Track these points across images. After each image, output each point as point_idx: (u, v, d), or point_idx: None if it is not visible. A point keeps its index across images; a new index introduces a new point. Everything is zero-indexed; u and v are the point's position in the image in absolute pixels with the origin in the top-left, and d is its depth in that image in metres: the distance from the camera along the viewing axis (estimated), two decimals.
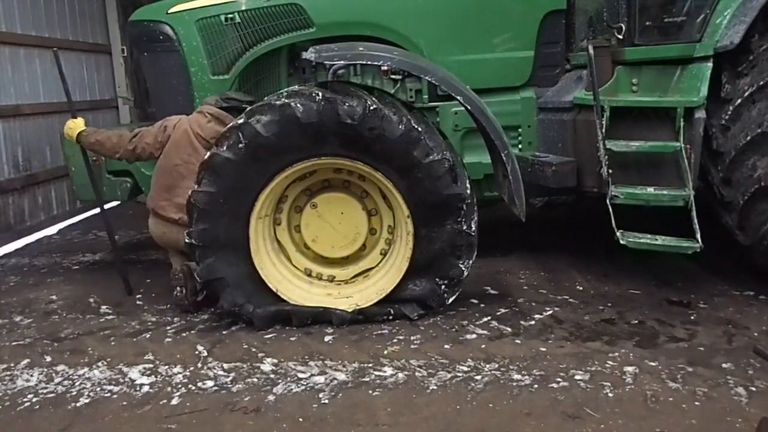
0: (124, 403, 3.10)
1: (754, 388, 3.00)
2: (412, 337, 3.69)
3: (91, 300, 4.55)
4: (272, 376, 3.31)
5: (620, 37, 4.15)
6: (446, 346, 3.56)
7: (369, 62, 4.11)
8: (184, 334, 3.88)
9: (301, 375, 3.30)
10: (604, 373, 3.21)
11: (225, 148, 3.64)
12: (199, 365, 3.45)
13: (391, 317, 3.89)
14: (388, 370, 3.31)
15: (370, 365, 3.37)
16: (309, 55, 3.87)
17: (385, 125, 3.59)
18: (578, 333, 3.69)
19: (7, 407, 3.12)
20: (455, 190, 3.70)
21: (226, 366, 3.43)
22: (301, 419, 2.90)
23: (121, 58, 8.38)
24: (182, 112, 4.60)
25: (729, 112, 3.84)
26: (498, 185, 4.41)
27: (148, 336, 3.87)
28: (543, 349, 3.48)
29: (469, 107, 3.85)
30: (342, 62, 4.36)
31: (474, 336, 3.69)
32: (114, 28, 8.32)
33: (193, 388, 3.23)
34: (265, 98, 3.79)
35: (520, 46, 4.73)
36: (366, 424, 2.84)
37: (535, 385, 3.11)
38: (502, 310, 4.03)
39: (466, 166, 4.05)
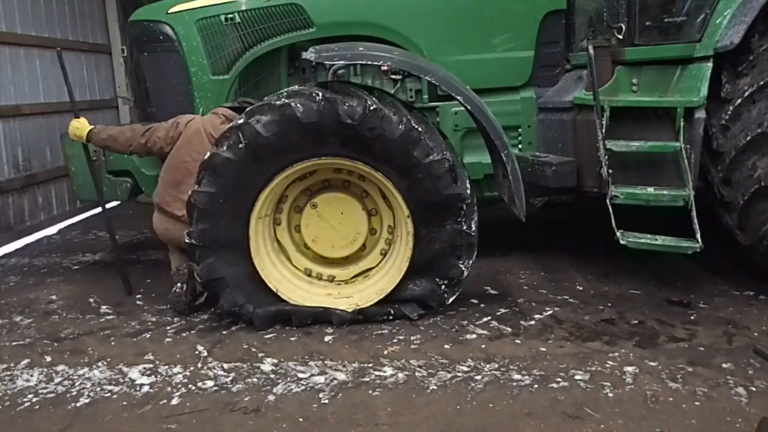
0: (124, 403, 3.10)
1: (754, 388, 3.00)
2: (412, 337, 3.69)
3: (91, 300, 4.56)
4: (272, 376, 3.31)
5: (620, 37, 4.15)
6: (446, 346, 3.56)
7: (369, 62, 4.11)
8: (184, 334, 3.88)
9: (301, 375, 3.30)
10: (604, 373, 3.21)
11: (225, 148, 3.64)
12: (199, 365, 3.45)
13: (391, 317, 3.89)
14: (388, 370, 3.31)
15: (370, 365, 3.37)
16: (309, 55, 3.87)
17: (385, 125, 3.59)
18: (578, 333, 3.69)
19: (7, 407, 3.12)
20: (455, 190, 3.70)
21: (226, 366, 3.43)
22: (301, 419, 2.90)
23: (121, 58, 8.38)
24: (182, 112, 4.60)
25: (729, 112, 3.84)
26: (498, 185, 4.41)
27: (148, 336, 3.87)
28: (543, 349, 3.48)
29: (469, 107, 3.85)
30: (342, 62, 4.36)
31: (474, 336, 3.69)
32: (114, 28, 8.32)
33: (193, 388, 3.23)
34: (265, 98, 3.79)
35: (520, 46, 4.73)
36: (366, 424, 2.84)
37: (535, 385, 3.11)
38: (502, 310, 4.04)
39: (466, 166, 4.05)
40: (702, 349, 3.44)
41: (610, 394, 3.00)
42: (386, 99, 3.81)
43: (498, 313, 3.99)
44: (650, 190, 3.94)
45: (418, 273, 3.83)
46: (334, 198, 3.96)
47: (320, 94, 3.62)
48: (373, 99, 3.66)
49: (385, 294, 3.87)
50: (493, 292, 4.38)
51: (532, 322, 3.85)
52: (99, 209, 7.36)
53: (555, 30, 4.74)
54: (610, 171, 3.94)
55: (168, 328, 3.98)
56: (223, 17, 4.65)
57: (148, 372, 3.40)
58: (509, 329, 3.76)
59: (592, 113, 4.06)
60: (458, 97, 3.81)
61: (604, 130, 3.98)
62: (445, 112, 4.74)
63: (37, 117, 6.66)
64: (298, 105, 3.58)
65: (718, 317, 3.83)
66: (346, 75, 4.79)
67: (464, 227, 3.75)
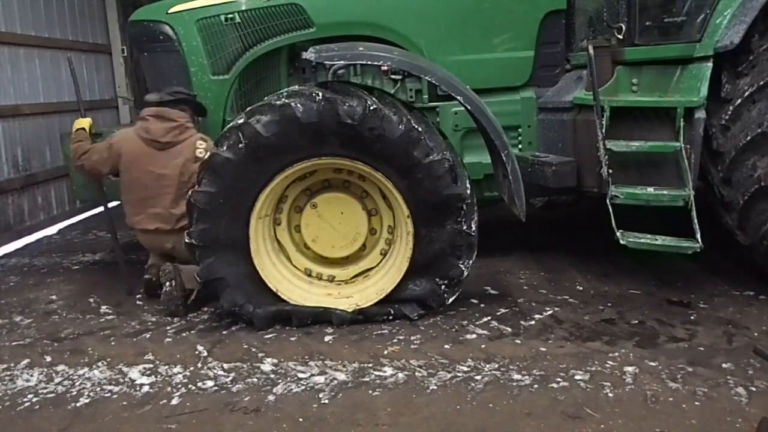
0: (124, 403, 3.10)
1: (754, 388, 3.00)
2: (412, 337, 3.69)
3: (91, 300, 4.56)
4: (272, 376, 3.31)
5: (620, 37, 4.15)
6: (446, 346, 3.56)
7: (369, 62, 4.12)
8: (184, 334, 3.88)
9: (301, 375, 3.30)
10: (604, 373, 3.21)
11: (225, 148, 3.64)
12: (199, 365, 3.45)
13: (391, 317, 3.89)
14: (388, 370, 3.31)
15: (370, 365, 3.37)
16: (309, 55, 3.87)
17: (385, 125, 3.59)
18: (578, 333, 3.69)
19: (7, 407, 3.12)
20: (455, 190, 3.70)
21: (226, 366, 3.43)
22: (301, 419, 2.90)
23: (121, 58, 8.38)
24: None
25: (729, 112, 3.84)
26: (498, 185, 4.41)
27: (148, 336, 3.87)
28: (543, 349, 3.48)
29: (469, 107, 3.85)
30: (342, 62, 4.36)
31: (474, 336, 3.69)
32: (114, 28, 8.32)
33: (193, 388, 3.23)
34: (265, 98, 3.79)
35: (520, 46, 4.73)
36: (366, 424, 2.84)
37: (535, 385, 3.11)
38: (502, 310, 4.03)
39: (466, 166, 4.05)
40: (702, 349, 3.44)
41: (610, 394, 3.00)
42: (386, 99, 3.81)
43: (498, 313, 3.99)
44: (650, 190, 3.94)
45: (418, 273, 3.83)
46: (334, 198, 3.96)
47: (320, 94, 3.62)
48: (373, 99, 3.66)
49: (385, 294, 3.86)
50: (493, 292, 4.38)
51: (532, 322, 3.85)
52: (99, 209, 7.38)
53: (555, 30, 4.74)
54: (610, 171, 3.94)
55: (168, 328, 3.98)
56: (223, 17, 4.64)
57: (148, 372, 3.40)
58: (509, 329, 3.76)
59: (592, 113, 4.06)
60: (458, 97, 3.81)
61: (604, 130, 3.98)
62: (445, 112, 4.74)
63: (37, 117, 6.66)
64: (298, 105, 3.58)
65: (718, 317, 3.83)
66: (346, 75, 4.79)
67: (464, 227, 3.75)
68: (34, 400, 3.17)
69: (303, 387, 3.19)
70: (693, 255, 3.83)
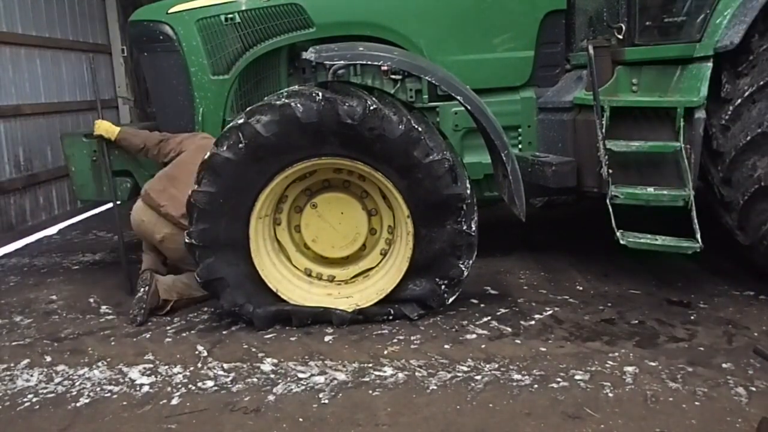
0: (124, 403, 3.11)
1: (754, 388, 3.00)
2: (412, 337, 3.69)
3: (91, 300, 4.56)
4: (272, 376, 3.31)
5: (620, 37, 4.15)
6: (446, 346, 3.56)
7: (369, 62, 4.11)
8: (184, 334, 3.88)
9: (301, 375, 3.30)
10: (604, 373, 3.21)
11: (225, 148, 3.64)
12: (199, 365, 3.46)
13: (391, 317, 3.89)
14: (388, 370, 3.31)
15: (370, 365, 3.37)
16: (309, 55, 3.87)
17: (385, 125, 3.59)
18: (578, 333, 3.69)
19: (7, 407, 3.12)
20: (455, 190, 3.70)
21: (226, 366, 3.43)
22: (301, 419, 2.90)
23: (121, 58, 8.39)
24: (182, 112, 4.61)
25: (729, 112, 3.84)
26: (498, 185, 4.41)
27: (148, 336, 3.87)
28: (543, 349, 3.48)
29: (469, 107, 3.85)
30: (342, 62, 4.36)
31: (474, 336, 3.69)
32: (114, 28, 8.32)
33: (193, 388, 3.23)
34: (265, 98, 3.79)
35: (520, 46, 4.73)
36: (366, 424, 2.84)
37: (535, 385, 3.11)
38: (502, 310, 4.03)
39: (466, 166, 4.05)
40: (702, 349, 3.44)
41: (610, 394, 3.00)
42: (386, 99, 3.81)
43: (498, 313, 3.99)
44: (650, 190, 3.94)
45: (418, 273, 3.83)
46: (334, 198, 3.96)
47: (320, 94, 3.62)
48: (373, 99, 3.66)
49: (385, 294, 3.87)
50: (493, 292, 4.38)
51: (532, 322, 3.85)
52: (99, 209, 7.39)
53: (555, 30, 4.74)
54: (610, 171, 3.94)
55: (168, 328, 3.98)
56: (223, 17, 4.65)
57: (148, 372, 3.40)
58: (509, 329, 3.76)
59: (592, 113, 4.06)
60: (458, 97, 3.81)
61: (604, 130, 3.98)
62: (445, 112, 4.74)
63: (38, 117, 6.66)
64: (298, 105, 3.58)
65: (718, 317, 3.83)
66: (346, 75, 4.79)
67: (464, 227, 3.75)
68: (34, 400, 3.18)
69: (303, 387, 3.19)
70: (693, 255, 3.83)
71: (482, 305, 4.12)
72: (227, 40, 4.66)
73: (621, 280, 4.48)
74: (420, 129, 3.65)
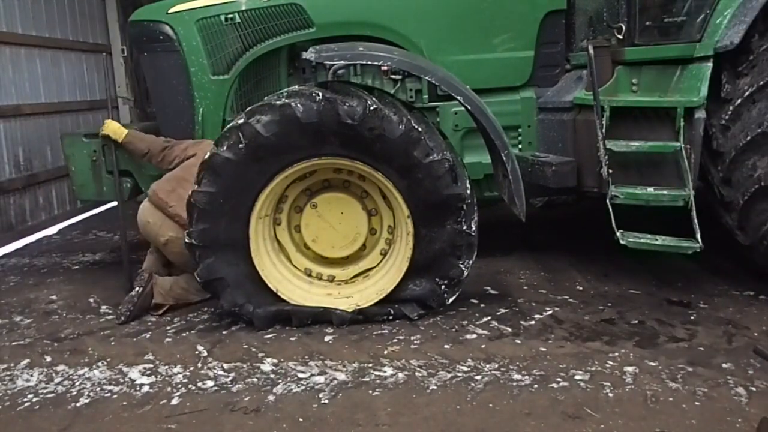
0: (124, 403, 3.11)
1: (754, 388, 3.00)
2: (412, 337, 3.69)
3: (91, 300, 4.56)
4: (272, 376, 3.31)
5: (620, 37, 4.15)
6: (446, 346, 3.56)
7: (369, 62, 4.11)
8: (184, 334, 3.88)
9: (301, 375, 3.30)
10: (604, 373, 3.21)
11: (225, 148, 3.64)
12: (199, 365, 3.46)
13: (391, 317, 3.89)
14: (388, 370, 3.31)
15: (370, 365, 3.37)
16: (309, 55, 3.87)
17: (385, 125, 3.59)
18: (578, 333, 3.69)
19: (7, 407, 3.12)
20: (455, 190, 3.70)
21: (226, 366, 3.43)
22: (301, 419, 2.90)
23: (121, 58, 8.39)
24: (182, 112, 4.61)
25: (729, 112, 3.84)
26: (498, 185, 4.41)
27: (148, 336, 3.87)
28: (543, 349, 3.48)
29: (469, 107, 3.85)
30: (342, 62, 4.36)
31: (474, 336, 3.69)
32: (114, 28, 8.33)
33: (193, 388, 3.23)
34: (265, 98, 3.79)
35: (520, 46, 4.73)
36: (366, 424, 2.84)
37: (535, 385, 3.11)
38: (502, 310, 4.04)
39: (466, 166, 4.05)
40: (702, 349, 3.44)
41: (610, 394, 3.00)
42: (386, 99, 3.81)
43: (498, 313, 3.99)
44: (650, 190, 3.94)
45: (418, 273, 3.83)
46: (334, 198, 3.96)
47: (320, 94, 3.62)
48: (373, 99, 3.66)
49: (385, 294, 3.87)
50: (493, 292, 4.38)
51: (532, 322, 3.85)
52: (99, 209, 7.39)
53: (555, 30, 4.74)
54: (610, 171, 3.94)
55: (168, 328, 3.98)
56: (223, 17, 4.64)
57: (148, 372, 3.40)
58: (509, 329, 3.76)
59: (592, 113, 4.06)
60: (458, 97, 3.81)
61: (604, 130, 3.98)
62: (445, 112, 4.74)
63: (38, 117, 6.66)
64: (298, 105, 3.58)
65: (718, 317, 3.83)
66: (346, 75, 4.79)
67: (464, 227, 3.75)
68: (34, 400, 3.18)
69: (303, 387, 3.19)
70: (693, 255, 3.83)
71: (482, 305, 4.12)
72: (227, 40, 4.65)
73: (621, 280, 4.48)
74: (420, 129, 3.65)
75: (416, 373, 3.27)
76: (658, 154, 3.96)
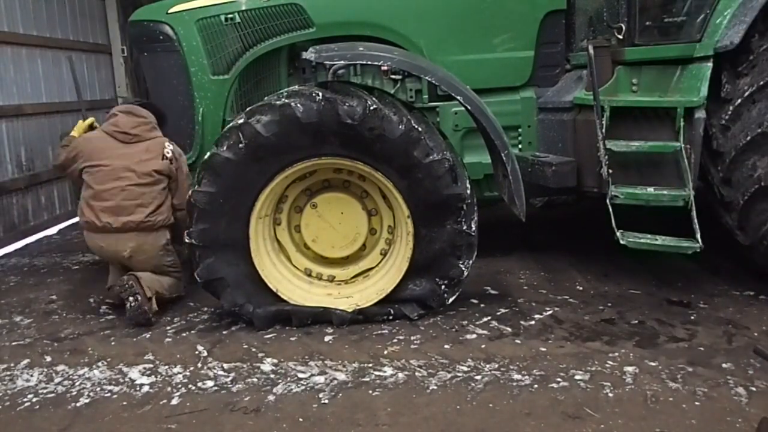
0: (124, 403, 3.11)
1: (754, 388, 3.00)
2: (412, 337, 3.69)
3: (91, 300, 4.56)
4: (272, 376, 3.31)
5: (620, 37, 4.15)
6: (446, 346, 3.56)
7: (369, 62, 4.11)
8: (184, 334, 3.88)
9: (301, 375, 3.30)
10: (604, 373, 3.21)
11: (225, 148, 3.64)
12: (199, 365, 3.46)
13: (391, 317, 3.89)
14: (388, 370, 3.31)
15: (370, 365, 3.37)
16: (309, 55, 3.87)
17: (385, 125, 3.59)
18: (578, 333, 3.69)
19: (7, 407, 3.12)
20: (455, 190, 3.70)
21: (226, 366, 3.43)
22: (301, 419, 2.90)
23: (121, 58, 8.40)
24: (182, 112, 4.60)
25: (729, 112, 3.84)
26: (498, 185, 4.41)
27: (148, 336, 3.87)
28: (543, 349, 3.48)
29: (469, 107, 3.85)
30: (342, 62, 4.36)
31: (474, 336, 3.69)
32: (114, 28, 8.33)
33: (193, 388, 3.23)
34: (265, 98, 3.79)
35: (520, 46, 4.73)
36: (366, 424, 2.85)
37: (535, 385, 3.11)
38: (502, 310, 4.04)
39: (466, 166, 4.05)
40: (702, 349, 3.44)
41: (610, 394, 3.00)
42: (386, 99, 3.81)
43: (498, 313, 3.99)
44: (650, 190, 3.94)
45: (418, 273, 3.83)
46: (334, 198, 3.96)
47: (320, 94, 3.62)
48: (373, 99, 3.66)
49: (385, 294, 3.87)
50: (493, 292, 4.38)
51: (532, 322, 3.85)
52: None
53: (555, 30, 4.74)
54: (610, 171, 3.94)
55: (168, 328, 3.98)
56: (223, 17, 4.64)
57: (148, 372, 3.40)
58: (509, 329, 3.76)
59: (592, 113, 4.06)
60: (458, 97, 3.81)
61: (604, 130, 3.98)
62: (445, 112, 4.74)
63: (40, 117, 6.67)
64: (298, 105, 3.58)
65: (718, 317, 3.83)
66: (346, 75, 4.79)
67: (464, 227, 3.75)
68: (34, 400, 3.18)
69: (303, 387, 3.19)
70: (693, 255, 3.83)
71: (482, 305, 4.12)
72: (227, 40, 4.66)
73: (621, 280, 4.48)
74: (420, 129, 3.65)
75: (416, 373, 3.27)
76: (658, 154, 3.96)
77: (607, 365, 3.28)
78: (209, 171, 3.67)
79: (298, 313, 3.85)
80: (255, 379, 3.28)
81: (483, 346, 3.56)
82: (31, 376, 3.42)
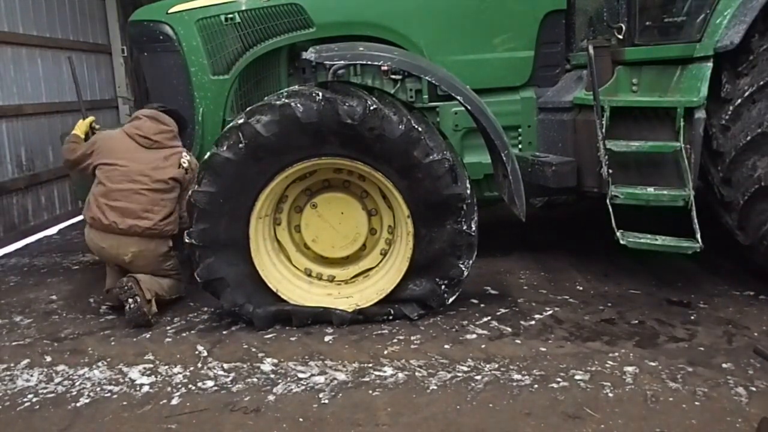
0: (124, 403, 3.11)
1: (754, 388, 3.00)
2: (412, 337, 3.69)
3: (91, 300, 4.56)
4: (272, 376, 3.31)
5: (620, 37, 4.15)
6: (446, 346, 3.56)
7: (369, 62, 4.11)
8: (184, 334, 3.88)
9: (301, 375, 3.30)
10: (604, 373, 3.21)
11: (225, 148, 3.64)
12: (199, 365, 3.46)
13: (391, 317, 3.89)
14: (388, 370, 3.31)
15: (370, 365, 3.38)
16: (309, 55, 3.87)
17: (385, 125, 3.59)
18: (578, 333, 3.69)
19: (7, 407, 3.12)
20: (455, 190, 3.70)
21: (226, 366, 3.43)
22: (301, 419, 2.90)
23: (121, 58, 8.40)
24: (182, 112, 4.59)
25: (729, 112, 3.84)
26: (498, 185, 4.41)
27: (148, 336, 3.87)
28: (543, 349, 3.48)
29: (469, 107, 3.85)
30: (342, 62, 4.36)
31: (474, 336, 3.69)
32: (114, 28, 8.34)
33: (193, 388, 3.23)
34: (265, 98, 3.79)
35: (520, 46, 4.73)
36: (366, 424, 2.85)
37: (535, 385, 3.11)
38: (502, 310, 4.04)
39: (466, 166, 4.05)
40: (702, 349, 3.44)
41: (610, 394, 3.00)
42: (386, 99, 3.81)
43: (498, 313, 3.99)
44: (650, 190, 3.94)
45: (418, 273, 3.83)
46: (334, 198, 3.96)
47: (320, 94, 3.62)
48: (373, 99, 3.66)
49: (385, 294, 3.87)
50: (493, 292, 4.38)
51: (532, 322, 3.85)
52: None
53: (555, 30, 4.74)
54: (610, 171, 3.94)
55: (168, 328, 3.98)
56: (223, 17, 4.64)
57: (148, 372, 3.41)
58: (509, 329, 3.76)
59: (592, 113, 4.06)
60: (458, 97, 3.81)
61: (604, 130, 3.98)
62: (445, 112, 4.74)
63: (40, 117, 6.68)
64: (298, 105, 3.58)
65: (718, 317, 3.83)
66: (346, 75, 4.79)
67: (464, 227, 3.75)
68: (34, 400, 3.18)
69: (303, 387, 3.19)
70: (693, 255, 3.83)
71: (482, 305, 4.13)
72: (227, 40, 4.66)
73: (621, 280, 4.48)
74: (420, 129, 3.65)
75: (416, 373, 3.27)
76: (658, 154, 3.96)
77: (607, 365, 3.28)
78: (209, 171, 3.67)
79: (298, 313, 3.85)
80: (255, 379, 3.28)
81: (483, 346, 3.56)
82: (31, 376, 3.42)
